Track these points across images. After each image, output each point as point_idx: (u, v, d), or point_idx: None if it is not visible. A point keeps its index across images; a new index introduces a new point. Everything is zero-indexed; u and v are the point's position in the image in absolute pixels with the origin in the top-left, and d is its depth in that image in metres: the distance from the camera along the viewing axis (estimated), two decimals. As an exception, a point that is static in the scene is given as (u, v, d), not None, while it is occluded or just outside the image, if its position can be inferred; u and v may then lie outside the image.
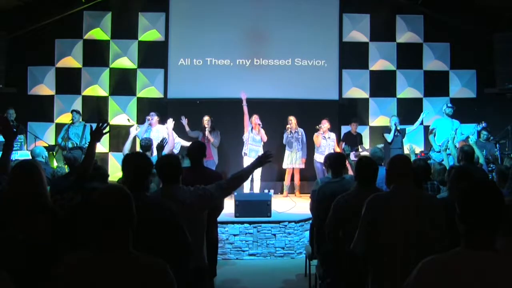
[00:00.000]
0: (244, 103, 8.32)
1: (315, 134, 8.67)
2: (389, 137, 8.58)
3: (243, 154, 8.33)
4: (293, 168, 8.93)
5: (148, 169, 2.77)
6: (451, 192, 3.47)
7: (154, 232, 2.51)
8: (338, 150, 8.14)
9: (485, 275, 1.67)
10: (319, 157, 8.38)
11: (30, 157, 6.15)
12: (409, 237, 2.74)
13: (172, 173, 3.14)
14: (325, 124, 8.58)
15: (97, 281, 1.78)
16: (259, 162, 3.46)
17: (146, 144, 5.99)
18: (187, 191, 3.16)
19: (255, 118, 8.42)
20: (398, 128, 8.57)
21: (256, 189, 8.45)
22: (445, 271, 1.70)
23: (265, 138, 8.45)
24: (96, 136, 3.16)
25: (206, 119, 8.49)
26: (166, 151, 5.29)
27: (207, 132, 8.39)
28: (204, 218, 3.38)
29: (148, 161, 2.84)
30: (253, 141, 8.36)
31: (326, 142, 8.56)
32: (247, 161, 8.43)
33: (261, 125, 8.44)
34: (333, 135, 8.73)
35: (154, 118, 8.01)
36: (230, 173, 4.43)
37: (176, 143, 7.58)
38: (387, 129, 8.80)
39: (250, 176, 8.17)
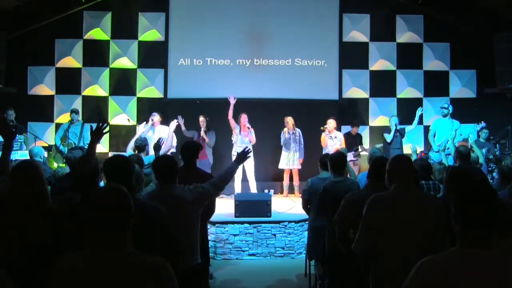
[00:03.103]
0: (231, 107, 8.33)
1: (322, 135, 8.46)
2: (388, 137, 8.57)
3: (232, 155, 8.29)
4: (291, 169, 8.87)
5: (129, 170, 2.78)
6: (446, 192, 3.46)
7: (141, 232, 2.51)
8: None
9: (482, 274, 1.67)
10: (325, 157, 8.30)
11: (29, 157, 6.14)
12: (410, 237, 2.73)
13: (169, 173, 3.26)
14: (331, 124, 8.44)
15: (97, 280, 1.79)
16: (240, 158, 3.73)
17: (141, 145, 5.96)
18: (186, 189, 3.27)
19: (243, 119, 8.37)
20: (398, 128, 8.56)
21: (253, 189, 8.42)
22: (442, 271, 1.71)
23: (253, 140, 8.36)
24: (96, 136, 3.16)
25: (201, 119, 8.46)
26: (163, 151, 5.26)
27: (202, 132, 8.36)
28: (199, 216, 3.40)
29: (128, 162, 2.85)
30: (242, 142, 8.23)
31: (333, 142, 8.37)
32: None
33: (249, 127, 8.36)
34: (340, 134, 8.60)
35: (155, 118, 8.01)
36: None
37: (175, 145, 7.58)
38: (387, 129, 8.78)
39: (241, 176, 8.25)
